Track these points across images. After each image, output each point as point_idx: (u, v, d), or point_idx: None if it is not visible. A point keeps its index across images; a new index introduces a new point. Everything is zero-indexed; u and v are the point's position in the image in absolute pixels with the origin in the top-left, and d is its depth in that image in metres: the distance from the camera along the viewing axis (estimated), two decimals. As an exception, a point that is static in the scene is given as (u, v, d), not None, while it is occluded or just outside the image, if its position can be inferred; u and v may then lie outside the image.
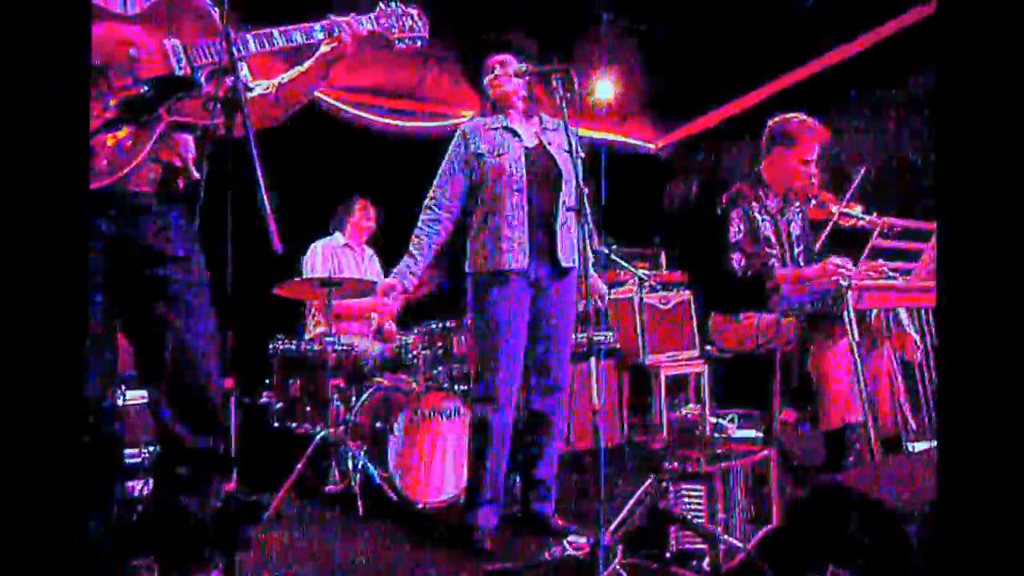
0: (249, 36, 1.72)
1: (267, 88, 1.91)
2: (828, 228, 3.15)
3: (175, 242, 1.75)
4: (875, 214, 3.03)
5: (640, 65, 5.37)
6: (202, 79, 1.66)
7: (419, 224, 2.68)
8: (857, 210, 3.08)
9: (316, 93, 4.98)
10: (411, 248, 2.66)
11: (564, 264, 2.64)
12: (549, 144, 2.69)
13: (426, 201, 2.69)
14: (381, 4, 1.94)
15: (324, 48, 1.84)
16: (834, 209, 3.07)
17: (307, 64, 1.88)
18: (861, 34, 4.89)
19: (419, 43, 1.97)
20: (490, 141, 2.63)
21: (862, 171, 3.09)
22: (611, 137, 6.60)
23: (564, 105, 2.56)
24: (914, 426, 2.94)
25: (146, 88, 1.60)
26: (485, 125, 2.68)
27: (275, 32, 1.75)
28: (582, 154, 2.69)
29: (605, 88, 5.69)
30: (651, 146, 6.96)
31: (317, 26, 1.81)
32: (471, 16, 4.12)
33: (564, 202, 2.62)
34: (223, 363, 1.75)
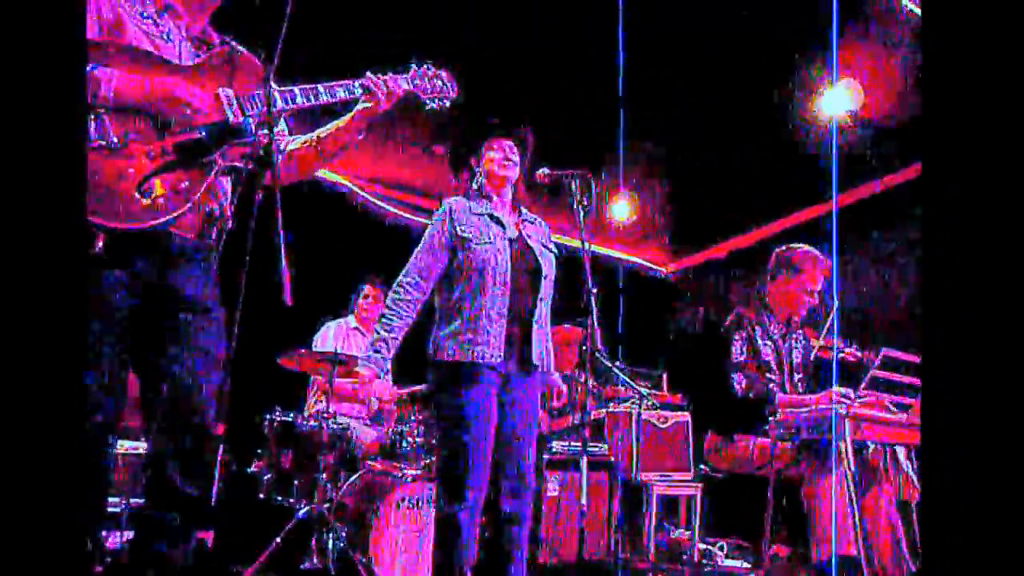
0: (296, 89, 1.86)
1: (306, 141, 2.02)
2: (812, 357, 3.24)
3: (203, 289, 1.81)
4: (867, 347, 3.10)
5: (659, 190, 5.60)
6: (252, 126, 1.76)
7: (390, 304, 2.55)
8: (836, 345, 3.17)
9: (346, 182, 5.28)
10: (381, 331, 2.52)
11: (534, 361, 2.54)
12: (529, 237, 2.63)
13: (401, 279, 2.57)
14: (414, 66, 2.08)
15: (361, 104, 1.97)
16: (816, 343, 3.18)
17: (345, 118, 2.00)
18: (872, 178, 5.14)
19: (447, 104, 2.12)
20: (476, 227, 2.55)
21: (835, 306, 3.21)
22: (623, 256, 6.79)
23: (581, 209, 2.67)
24: (912, 568, 2.86)
25: (203, 133, 1.71)
26: (470, 208, 2.60)
27: (320, 87, 1.89)
28: (556, 252, 2.69)
29: (622, 209, 5.90)
30: (661, 269, 7.12)
31: (356, 83, 1.95)
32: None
33: (541, 298, 2.57)
34: (219, 410, 1.76)
